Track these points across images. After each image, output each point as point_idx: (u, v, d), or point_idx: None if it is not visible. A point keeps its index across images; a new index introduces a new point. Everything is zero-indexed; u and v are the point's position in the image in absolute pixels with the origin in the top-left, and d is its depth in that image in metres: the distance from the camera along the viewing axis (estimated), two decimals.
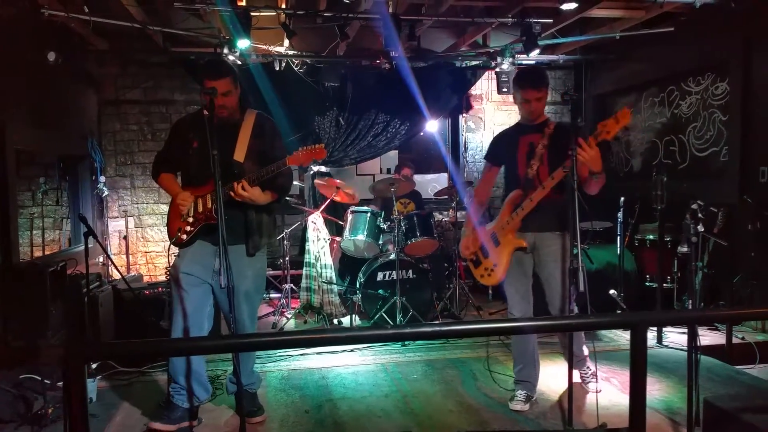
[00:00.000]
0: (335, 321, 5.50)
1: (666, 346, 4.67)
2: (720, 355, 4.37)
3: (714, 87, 5.60)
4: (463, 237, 3.69)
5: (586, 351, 3.77)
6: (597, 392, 3.60)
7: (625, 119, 2.97)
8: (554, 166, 3.26)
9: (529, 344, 3.58)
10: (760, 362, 4.55)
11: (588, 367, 3.78)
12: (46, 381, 3.41)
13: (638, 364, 1.78)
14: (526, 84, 3.41)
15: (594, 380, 3.71)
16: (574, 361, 3.30)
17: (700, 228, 2.82)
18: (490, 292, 6.32)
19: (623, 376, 3.97)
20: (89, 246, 3.99)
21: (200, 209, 3.21)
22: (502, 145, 3.65)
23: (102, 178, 6.49)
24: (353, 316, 5.40)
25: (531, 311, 3.60)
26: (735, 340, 4.60)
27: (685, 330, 4.65)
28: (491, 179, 3.77)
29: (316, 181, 6.04)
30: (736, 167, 5.28)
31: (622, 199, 5.29)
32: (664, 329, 4.80)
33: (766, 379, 4.25)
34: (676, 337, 4.78)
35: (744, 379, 4.02)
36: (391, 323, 5.15)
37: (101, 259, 6.07)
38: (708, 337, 4.74)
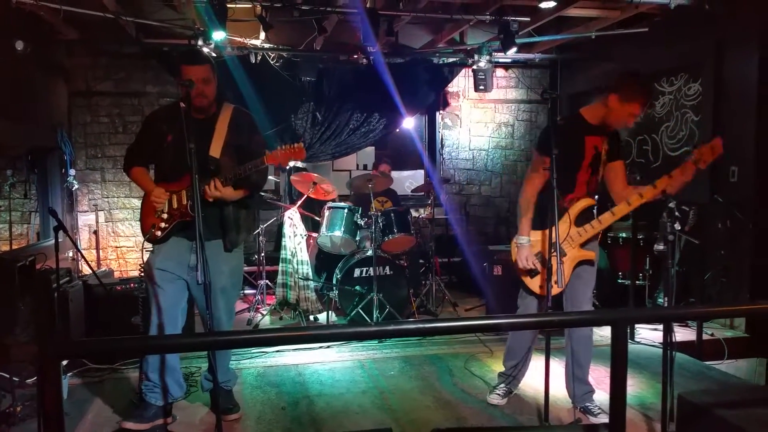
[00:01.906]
0: (311, 317, 5.46)
1: (638, 342, 4.74)
2: (691, 351, 4.46)
3: (687, 87, 5.70)
4: (519, 249, 3.27)
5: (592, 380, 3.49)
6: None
7: (718, 150, 2.99)
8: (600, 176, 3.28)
9: (528, 342, 3.52)
10: (728, 358, 4.68)
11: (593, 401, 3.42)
12: (14, 378, 3.31)
13: (619, 361, 1.80)
14: (650, 97, 3.28)
15: (601, 412, 3.34)
16: (579, 394, 3.32)
17: (677, 226, 2.86)
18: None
19: (597, 371, 4.02)
20: (59, 240, 3.89)
21: (175, 205, 3.13)
22: (566, 141, 3.05)
23: (72, 171, 6.33)
24: (330, 312, 5.37)
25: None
26: (705, 337, 4.71)
27: (657, 327, 4.76)
28: (544, 178, 3.18)
29: (292, 177, 5.99)
30: (707, 166, 5.36)
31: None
32: (636, 326, 4.89)
33: (734, 374, 4.37)
34: (647, 333, 4.86)
35: (713, 374, 4.12)
36: (368, 320, 5.14)
37: (71, 254, 5.93)
38: (679, 333, 4.79)
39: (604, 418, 3.25)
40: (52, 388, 1.35)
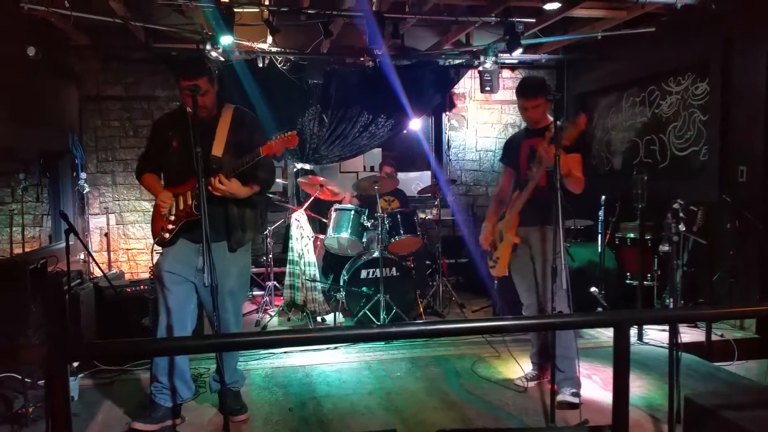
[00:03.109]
0: (319, 319, 5.49)
1: (647, 344, 4.73)
2: (699, 352, 4.43)
3: (694, 87, 5.68)
4: (483, 231, 3.91)
5: (574, 371, 3.55)
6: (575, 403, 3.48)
7: (580, 126, 3.15)
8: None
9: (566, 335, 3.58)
10: (738, 359, 4.64)
11: (570, 387, 3.54)
12: (26, 380, 3.36)
13: (621, 363, 1.81)
14: (521, 94, 3.65)
15: (570, 394, 3.50)
16: (558, 378, 3.40)
17: (682, 227, 2.87)
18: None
19: (604, 372, 4.02)
20: (70, 243, 3.94)
21: (181, 207, 3.19)
22: (510, 149, 3.94)
23: (83, 175, 6.41)
24: (337, 313, 5.40)
25: (535, 300, 3.67)
26: (714, 338, 4.68)
27: (666, 327, 4.74)
28: (507, 179, 3.94)
29: (299, 179, 6.02)
30: (715, 166, 5.36)
31: (603, 197, 5.35)
32: (644, 327, 4.87)
33: (744, 375, 4.34)
34: (656, 334, 4.84)
35: (723, 375, 4.09)
36: (375, 321, 5.16)
37: (82, 257, 5.99)
38: (688, 335, 4.80)
39: (573, 398, 3.47)
40: (59, 390, 1.38)
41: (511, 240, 3.66)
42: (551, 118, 3.59)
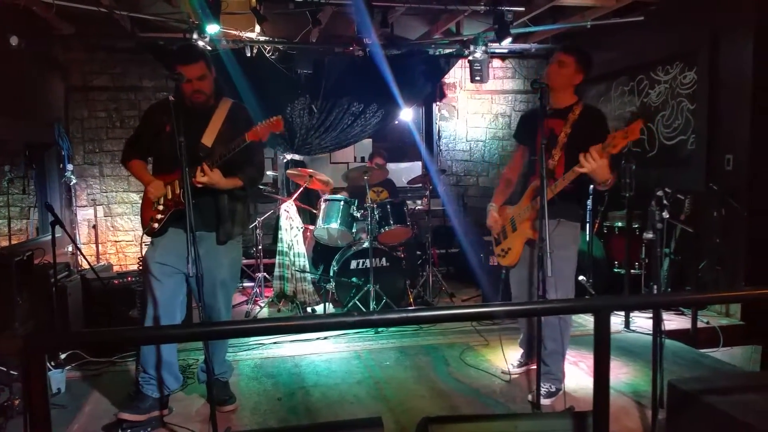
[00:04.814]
0: (309, 309, 5.50)
1: (633, 331, 4.76)
2: (685, 339, 4.48)
3: (682, 76, 5.69)
4: (489, 212, 3.64)
5: (559, 367, 3.49)
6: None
7: (634, 135, 2.86)
8: (571, 160, 3.15)
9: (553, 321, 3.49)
10: (723, 345, 4.69)
11: (550, 385, 3.47)
12: (12, 372, 3.35)
13: (601, 348, 1.82)
14: (559, 48, 3.43)
15: (544, 393, 3.40)
16: (542, 371, 3.33)
17: (665, 215, 2.88)
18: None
19: (591, 360, 4.04)
20: (57, 235, 3.92)
21: (170, 196, 3.17)
22: (526, 126, 3.59)
23: (70, 166, 6.36)
24: (327, 304, 5.40)
25: (526, 291, 3.55)
26: (700, 324, 4.73)
27: (652, 315, 4.78)
28: (519, 158, 3.66)
29: (288, 171, 6.01)
30: (703, 155, 5.38)
31: (591, 186, 5.35)
32: (632, 314, 4.90)
33: (728, 361, 4.38)
34: (643, 321, 4.88)
35: (708, 362, 4.13)
36: (365, 311, 5.16)
37: (70, 249, 5.96)
38: (674, 322, 4.85)
39: (544, 399, 3.36)
40: (37, 379, 1.37)
41: (528, 235, 3.40)
42: (576, 98, 3.39)
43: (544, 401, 3.35)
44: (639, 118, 2.98)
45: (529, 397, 3.48)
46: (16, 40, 4.77)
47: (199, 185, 3.02)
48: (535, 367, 3.69)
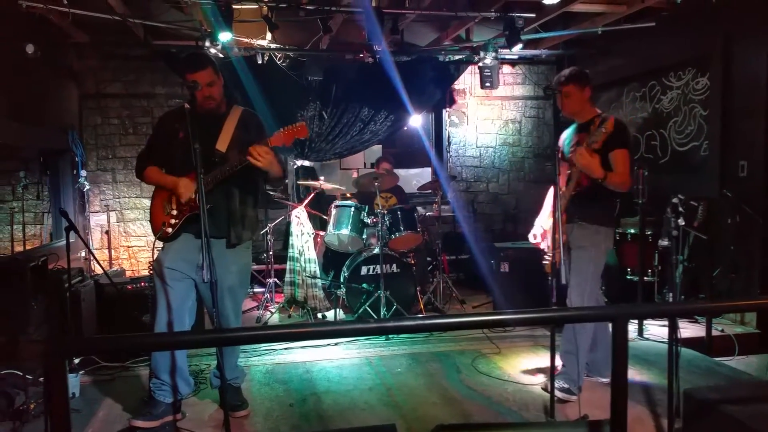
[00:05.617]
0: (319, 315, 5.50)
1: (647, 339, 4.73)
2: (700, 347, 4.43)
3: (695, 82, 5.66)
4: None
5: (574, 367, 3.54)
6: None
7: (609, 127, 3.06)
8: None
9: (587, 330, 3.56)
10: (739, 354, 4.64)
11: (563, 382, 3.54)
12: (27, 376, 3.37)
13: (619, 356, 1.80)
14: (555, 80, 3.58)
15: (558, 388, 3.46)
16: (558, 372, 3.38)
17: (681, 222, 2.86)
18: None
19: None
20: (71, 241, 3.95)
21: (183, 200, 3.19)
22: (562, 143, 3.72)
23: (83, 173, 6.41)
24: (337, 310, 5.40)
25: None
26: (715, 333, 4.68)
27: (666, 322, 4.74)
28: (564, 172, 3.61)
29: (298, 182, 6.05)
30: (716, 161, 5.35)
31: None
32: (645, 322, 4.86)
33: (744, 370, 4.33)
34: (656, 329, 4.84)
35: (723, 370, 4.09)
36: (375, 317, 5.16)
37: (83, 254, 6.00)
38: (689, 330, 4.81)
39: (560, 393, 3.45)
40: (58, 385, 1.38)
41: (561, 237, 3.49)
42: (597, 111, 3.53)
43: (559, 394, 3.42)
44: (613, 117, 3.13)
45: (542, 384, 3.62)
46: (32, 48, 4.82)
47: (259, 164, 3.03)
48: (601, 379, 3.71)
